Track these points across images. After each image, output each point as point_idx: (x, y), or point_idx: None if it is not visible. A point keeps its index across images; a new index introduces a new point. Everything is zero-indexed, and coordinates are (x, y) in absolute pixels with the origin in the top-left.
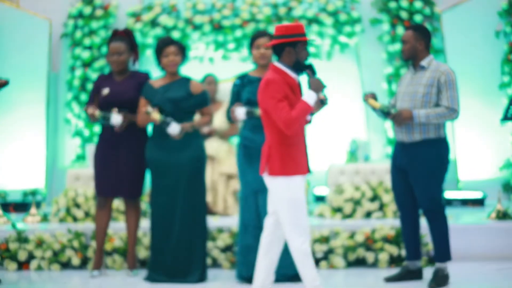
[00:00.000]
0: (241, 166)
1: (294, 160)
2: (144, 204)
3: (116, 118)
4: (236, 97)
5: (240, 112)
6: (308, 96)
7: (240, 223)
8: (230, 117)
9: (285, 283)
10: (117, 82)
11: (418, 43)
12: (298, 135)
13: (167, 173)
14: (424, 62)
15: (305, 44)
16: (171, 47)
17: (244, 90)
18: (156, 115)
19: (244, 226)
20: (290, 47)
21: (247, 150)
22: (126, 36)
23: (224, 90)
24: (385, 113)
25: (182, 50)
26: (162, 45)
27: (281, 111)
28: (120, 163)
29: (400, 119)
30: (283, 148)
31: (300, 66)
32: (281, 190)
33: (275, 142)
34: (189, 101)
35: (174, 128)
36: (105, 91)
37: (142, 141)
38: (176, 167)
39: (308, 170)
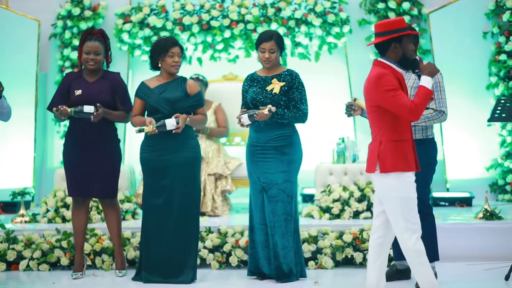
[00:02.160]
0: (248, 165)
1: (405, 157)
2: (133, 204)
3: (89, 108)
4: (246, 95)
5: (244, 118)
6: (425, 81)
7: (250, 221)
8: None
9: (279, 283)
10: (90, 83)
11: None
12: (407, 132)
13: (162, 174)
14: None
15: (409, 37)
16: (177, 48)
17: (250, 89)
18: (149, 129)
19: (255, 224)
20: (396, 42)
21: (252, 149)
22: (101, 37)
23: (213, 91)
24: None
25: (183, 52)
26: (169, 45)
27: (402, 99)
28: (93, 162)
29: None
30: (395, 144)
31: (408, 61)
32: (392, 188)
33: (386, 138)
34: (185, 101)
35: (171, 124)
36: (78, 92)
37: (114, 139)
38: (172, 167)
39: (417, 167)
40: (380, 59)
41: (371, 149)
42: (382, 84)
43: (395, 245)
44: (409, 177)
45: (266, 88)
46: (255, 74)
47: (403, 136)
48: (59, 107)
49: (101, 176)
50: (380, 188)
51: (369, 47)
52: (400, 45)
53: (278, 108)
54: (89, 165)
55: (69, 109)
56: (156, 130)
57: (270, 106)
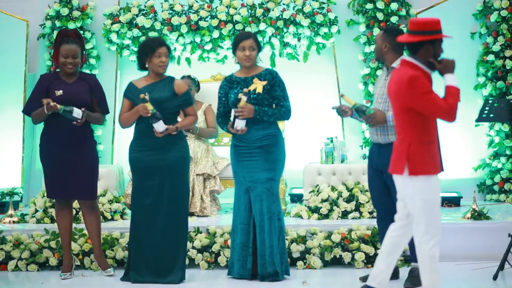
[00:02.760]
0: (233, 165)
1: (434, 159)
2: (121, 205)
3: (77, 112)
4: (225, 98)
5: (238, 123)
6: (451, 79)
7: (234, 221)
8: (226, 128)
9: (265, 282)
10: (70, 84)
11: (383, 44)
12: (435, 133)
13: (151, 173)
14: (394, 64)
15: (442, 40)
16: (163, 48)
17: (231, 91)
18: (150, 105)
19: (238, 224)
20: (429, 44)
21: (237, 149)
22: (77, 38)
23: (201, 91)
24: (359, 112)
25: (170, 52)
26: (156, 45)
27: (438, 101)
28: (70, 163)
29: (373, 121)
30: (425, 146)
31: (435, 63)
32: (420, 190)
33: (415, 140)
34: (173, 101)
35: (160, 126)
36: (58, 92)
37: (91, 140)
38: (161, 167)
39: (442, 168)
40: (408, 58)
41: (399, 151)
42: (418, 86)
43: None
44: (437, 180)
45: (249, 88)
46: (233, 76)
47: (431, 137)
48: (49, 102)
49: (80, 178)
50: (407, 190)
51: (357, 47)
52: (433, 47)
53: (262, 107)
54: (66, 166)
55: (59, 106)
56: (150, 111)
57: (241, 94)
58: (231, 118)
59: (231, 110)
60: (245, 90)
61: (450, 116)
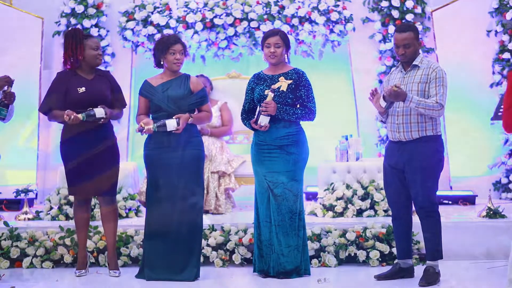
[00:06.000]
0: (254, 164)
1: None
2: (136, 202)
3: (100, 112)
4: (251, 94)
5: (262, 119)
6: None
7: (256, 219)
8: (248, 124)
9: (281, 279)
10: (90, 81)
11: (417, 43)
12: None
13: (166, 171)
14: (416, 61)
15: None
16: (178, 45)
17: (257, 87)
18: (149, 130)
19: (260, 222)
20: None
21: (258, 148)
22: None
23: (216, 88)
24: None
25: (186, 49)
26: (170, 42)
27: None
28: (95, 160)
29: (395, 93)
30: None
31: None
32: None
33: None
34: (189, 99)
35: (171, 125)
36: (81, 90)
37: (112, 136)
38: (176, 165)
39: None
40: None
41: None
42: None
43: (400, 243)
44: None
45: (273, 86)
46: (262, 73)
47: None
48: (70, 115)
49: (103, 174)
50: None
51: (373, 45)
52: None
53: (283, 106)
54: (90, 164)
55: (80, 116)
56: (152, 130)
57: (267, 90)
58: (256, 115)
59: (257, 107)
60: (274, 86)
61: None
